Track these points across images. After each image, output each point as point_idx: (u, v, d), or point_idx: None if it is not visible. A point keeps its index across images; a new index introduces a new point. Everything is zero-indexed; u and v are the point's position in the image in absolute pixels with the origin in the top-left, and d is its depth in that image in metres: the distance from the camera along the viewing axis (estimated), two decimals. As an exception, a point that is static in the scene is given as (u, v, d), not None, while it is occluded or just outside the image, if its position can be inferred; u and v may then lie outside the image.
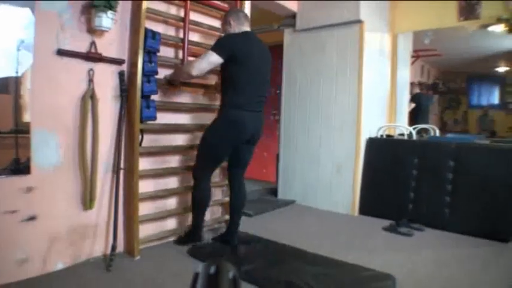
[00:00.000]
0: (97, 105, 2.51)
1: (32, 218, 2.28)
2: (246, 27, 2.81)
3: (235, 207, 3.04)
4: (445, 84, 8.25)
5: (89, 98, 2.48)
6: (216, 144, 2.76)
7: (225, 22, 2.83)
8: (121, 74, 2.64)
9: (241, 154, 2.93)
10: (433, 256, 2.92)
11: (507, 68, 7.42)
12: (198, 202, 2.88)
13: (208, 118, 3.29)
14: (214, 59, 2.60)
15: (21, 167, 2.22)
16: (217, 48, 2.61)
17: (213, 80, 3.28)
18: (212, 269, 0.63)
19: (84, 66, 2.47)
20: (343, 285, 2.30)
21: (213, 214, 3.49)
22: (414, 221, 3.66)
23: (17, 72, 2.20)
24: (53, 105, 2.35)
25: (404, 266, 2.70)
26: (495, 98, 8.28)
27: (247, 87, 2.68)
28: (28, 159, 2.25)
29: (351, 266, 2.62)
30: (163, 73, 2.87)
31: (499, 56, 6.96)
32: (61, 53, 2.34)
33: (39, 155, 2.30)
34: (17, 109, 2.23)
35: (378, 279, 2.41)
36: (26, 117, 2.25)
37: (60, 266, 2.43)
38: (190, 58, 2.97)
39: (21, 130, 2.24)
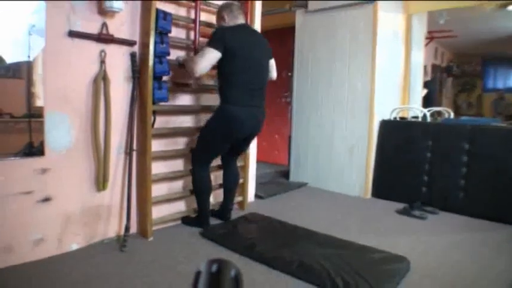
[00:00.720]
0: (109, 87, 2.48)
1: (46, 199, 2.29)
2: (241, 20, 2.74)
3: (228, 187, 3.10)
4: (459, 66, 8.06)
5: (101, 80, 2.46)
6: (212, 140, 2.74)
7: (219, 17, 2.75)
8: (133, 56, 2.60)
9: (238, 147, 2.95)
10: (446, 239, 2.87)
11: (524, 50, 7.18)
12: (199, 190, 2.87)
13: None
14: (213, 55, 2.50)
15: (34, 150, 2.22)
16: (213, 43, 2.51)
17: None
18: (214, 268, 0.60)
19: (95, 47, 2.44)
20: (356, 266, 2.27)
21: (217, 198, 3.43)
22: (427, 204, 3.60)
23: (28, 57, 2.19)
24: (65, 88, 2.33)
25: (416, 249, 2.66)
26: (512, 81, 8.06)
27: (242, 81, 2.60)
28: (41, 143, 2.24)
29: (363, 247, 2.59)
30: (174, 54, 2.82)
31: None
32: (72, 34, 2.31)
33: (52, 137, 2.29)
34: (30, 94, 2.21)
35: (392, 260, 2.37)
36: (39, 102, 2.23)
37: (74, 246, 2.44)
38: (202, 39, 2.91)
39: (34, 114, 2.23)
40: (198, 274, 0.59)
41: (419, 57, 4.91)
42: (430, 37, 5.96)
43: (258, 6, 3.48)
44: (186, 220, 3.01)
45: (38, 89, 2.23)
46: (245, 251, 2.51)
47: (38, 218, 2.26)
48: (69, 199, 2.40)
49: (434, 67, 7.21)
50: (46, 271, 2.15)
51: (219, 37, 2.54)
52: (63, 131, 2.34)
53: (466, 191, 3.49)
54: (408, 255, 2.45)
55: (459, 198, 3.52)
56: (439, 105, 6.04)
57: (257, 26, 3.50)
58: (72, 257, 2.35)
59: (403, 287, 2.13)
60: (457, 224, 3.26)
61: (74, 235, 2.44)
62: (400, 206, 3.64)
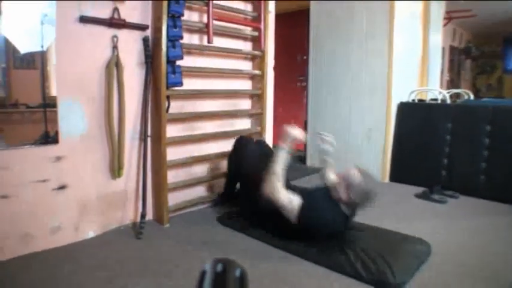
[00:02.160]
0: (122, 73, 2.42)
1: (62, 187, 2.25)
2: None
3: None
4: (478, 48, 7.78)
5: (114, 66, 2.39)
6: None
7: None
8: (145, 40, 2.53)
9: None
10: (467, 223, 2.78)
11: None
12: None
13: (237, 84, 3.25)
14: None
15: (50, 140, 2.18)
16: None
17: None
18: (219, 267, 0.61)
19: (107, 33, 2.36)
20: (375, 249, 2.18)
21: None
22: (447, 188, 3.48)
23: (42, 47, 2.12)
24: (78, 74, 2.27)
25: (437, 233, 2.57)
26: (533, 61, 7.69)
27: None
28: (56, 132, 2.20)
29: (383, 231, 2.51)
30: (188, 38, 2.74)
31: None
32: (84, 20, 2.23)
33: (65, 124, 2.24)
34: (44, 83, 2.16)
35: (412, 243, 2.30)
36: (53, 91, 2.18)
37: (91, 234, 2.41)
38: (215, 22, 2.81)
39: (49, 104, 2.18)
40: (203, 274, 0.60)
41: (438, 38, 4.71)
42: (448, 17, 5.74)
43: (272, 5, 3.37)
44: (214, 203, 3.04)
45: (52, 78, 2.18)
46: (260, 236, 2.45)
47: (55, 206, 2.23)
48: (85, 187, 2.36)
49: (453, 49, 6.97)
50: (65, 257, 2.13)
51: None
52: (76, 118, 2.29)
53: (488, 175, 3.35)
54: (429, 239, 2.37)
55: (480, 181, 3.38)
56: (458, 88, 5.84)
57: (271, 26, 3.37)
58: (89, 244, 2.33)
59: (424, 270, 2.06)
60: (478, 208, 3.14)
61: (90, 223, 2.41)
62: (419, 190, 3.53)
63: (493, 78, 8.02)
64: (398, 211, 3.05)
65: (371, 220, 2.72)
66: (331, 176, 2.50)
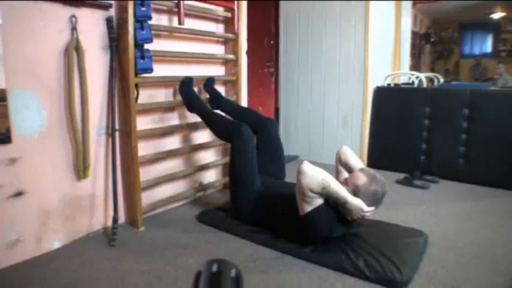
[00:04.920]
0: (83, 58, 2.10)
1: (19, 194, 1.93)
2: None
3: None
4: (437, 33, 7.89)
5: (74, 50, 2.07)
6: None
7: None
8: (109, 21, 2.21)
9: None
10: (454, 209, 2.75)
11: (502, 14, 7.02)
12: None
13: (210, 70, 3.02)
14: None
15: (0, 139, 1.82)
16: None
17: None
18: (214, 267, 0.61)
19: (64, 12, 2.03)
20: (374, 245, 2.04)
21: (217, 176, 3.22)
22: (427, 173, 3.45)
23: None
24: (32, 61, 1.93)
25: (428, 220, 2.51)
26: (488, 46, 7.93)
27: None
28: (8, 130, 1.85)
29: (376, 223, 2.37)
30: (156, 19, 2.44)
31: (495, 1, 6.56)
32: (34, -5, 1.89)
33: (19, 120, 1.90)
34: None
35: (409, 235, 2.17)
36: (1, 82, 1.82)
37: (56, 244, 2.12)
38: (186, 1, 2.52)
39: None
40: (198, 274, 0.60)
41: (408, 22, 4.64)
42: (414, 2, 5.71)
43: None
44: None
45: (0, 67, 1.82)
46: (249, 235, 2.25)
47: (11, 216, 1.91)
48: (46, 191, 2.05)
49: (414, 34, 7.01)
50: (27, 276, 1.83)
51: None
52: (32, 113, 1.96)
53: (467, 158, 3.33)
54: (422, 227, 2.29)
55: (459, 165, 3.36)
56: (419, 72, 5.86)
57: (244, 6, 3.13)
58: (55, 256, 2.03)
59: (426, 263, 1.96)
60: (460, 192, 3.12)
61: (54, 232, 2.10)
62: (399, 176, 3.47)
63: (450, 63, 8.19)
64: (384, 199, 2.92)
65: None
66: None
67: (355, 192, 1.94)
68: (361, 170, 2.05)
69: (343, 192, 1.88)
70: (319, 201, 1.91)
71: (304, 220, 1.97)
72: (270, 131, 2.55)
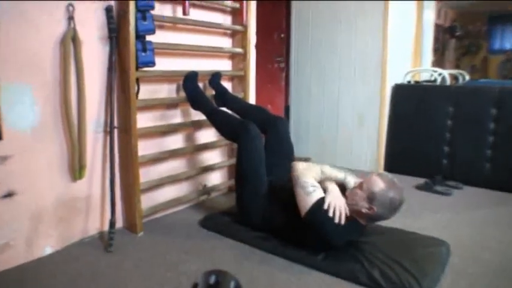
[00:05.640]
0: (80, 50, 2.11)
1: (9, 195, 1.94)
2: None
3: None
4: (463, 27, 7.79)
5: (70, 41, 2.07)
6: None
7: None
8: (108, 10, 2.22)
9: None
10: (478, 217, 2.75)
11: (535, 5, 6.92)
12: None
13: (216, 64, 3.03)
14: None
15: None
16: None
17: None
18: (212, 279, 0.64)
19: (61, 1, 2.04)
20: (391, 253, 2.03)
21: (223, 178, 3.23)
22: (449, 178, 3.43)
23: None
24: (25, 53, 1.94)
25: (449, 229, 2.51)
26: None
27: None
28: (-1, 125, 1.87)
29: (392, 230, 2.36)
30: (158, 9, 2.44)
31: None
32: (29, -18, 1.90)
33: (11, 116, 1.91)
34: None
35: (430, 245, 2.16)
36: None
37: (48, 250, 2.13)
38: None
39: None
40: (194, 286, 0.64)
41: (431, 15, 4.62)
42: (437, -7, 5.67)
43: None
44: None
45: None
46: (256, 241, 2.25)
47: (1, 219, 1.92)
48: (38, 192, 2.06)
49: (437, 27, 6.96)
50: (16, 284, 1.84)
51: None
52: (25, 108, 1.97)
53: (494, 162, 3.31)
54: (442, 236, 2.29)
55: (485, 170, 3.34)
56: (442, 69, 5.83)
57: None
58: (47, 263, 2.04)
59: (447, 274, 1.95)
60: (486, 199, 3.11)
61: (46, 236, 2.11)
62: (419, 181, 3.46)
63: (477, 59, 8.09)
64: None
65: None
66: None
67: (370, 199, 1.91)
68: (379, 174, 2.02)
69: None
70: (319, 193, 2.00)
71: (308, 219, 2.00)
72: (279, 131, 2.55)
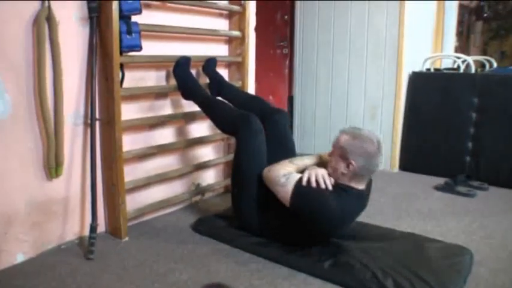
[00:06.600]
0: (57, 31, 2.09)
1: None
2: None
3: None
4: (492, 7, 7.74)
5: (45, 21, 2.06)
6: None
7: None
8: (89, -14, 2.22)
9: None
10: (506, 222, 2.75)
11: None
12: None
13: (211, 49, 3.04)
14: None
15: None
16: None
17: None
18: None
19: (32, -27, 2.04)
20: (406, 261, 2.04)
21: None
22: (473, 177, 3.46)
23: None
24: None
25: (474, 235, 2.51)
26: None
27: None
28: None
29: (409, 236, 2.39)
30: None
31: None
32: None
33: (-23, 105, 1.91)
34: None
35: (451, 253, 2.16)
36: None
37: (20, 257, 2.13)
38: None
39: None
40: None
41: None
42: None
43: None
44: None
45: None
46: (255, 248, 2.26)
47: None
48: (9, 193, 2.06)
49: (462, 8, 6.94)
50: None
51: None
52: (-8, 96, 1.97)
53: (525, 160, 3.33)
54: (466, 243, 2.31)
55: (514, 169, 3.36)
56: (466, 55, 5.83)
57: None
58: (18, 272, 2.04)
59: (472, 287, 1.94)
60: None
61: (18, 242, 2.11)
62: (439, 180, 3.50)
63: (507, 44, 8.04)
64: (420, 208, 3.00)
65: (389, 220, 2.68)
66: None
67: (344, 156, 2.04)
68: (341, 131, 2.18)
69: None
70: (294, 176, 2.10)
71: (294, 204, 2.07)
72: (277, 125, 2.55)
